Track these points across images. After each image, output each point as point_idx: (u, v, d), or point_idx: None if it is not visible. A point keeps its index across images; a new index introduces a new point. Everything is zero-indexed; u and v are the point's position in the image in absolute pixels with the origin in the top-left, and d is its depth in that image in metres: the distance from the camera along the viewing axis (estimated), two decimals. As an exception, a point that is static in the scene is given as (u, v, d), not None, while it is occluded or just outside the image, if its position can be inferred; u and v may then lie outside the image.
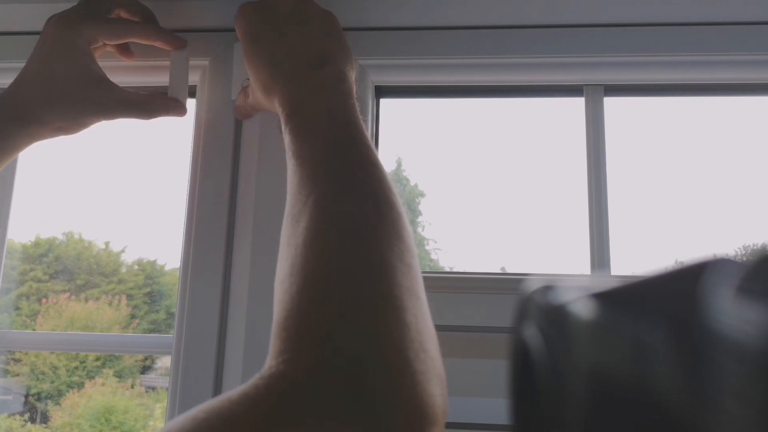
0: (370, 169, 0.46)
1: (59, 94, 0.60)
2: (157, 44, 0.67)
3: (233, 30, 0.69)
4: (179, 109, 0.66)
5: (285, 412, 0.32)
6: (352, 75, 0.55)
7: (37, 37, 0.77)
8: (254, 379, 0.34)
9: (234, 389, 0.34)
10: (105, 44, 0.67)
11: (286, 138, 0.50)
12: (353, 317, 0.37)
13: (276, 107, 0.55)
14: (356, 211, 0.43)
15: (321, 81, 0.52)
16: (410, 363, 0.36)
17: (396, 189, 0.47)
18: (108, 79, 0.62)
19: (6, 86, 0.77)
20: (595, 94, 0.72)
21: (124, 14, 0.67)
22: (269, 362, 0.36)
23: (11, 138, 0.60)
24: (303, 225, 0.43)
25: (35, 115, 0.60)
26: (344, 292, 0.38)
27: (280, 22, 0.57)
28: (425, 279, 0.68)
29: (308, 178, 0.46)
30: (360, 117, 0.51)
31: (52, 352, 1.94)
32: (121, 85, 0.64)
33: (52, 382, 1.92)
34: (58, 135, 0.63)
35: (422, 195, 1.10)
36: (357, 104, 0.52)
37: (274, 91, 0.55)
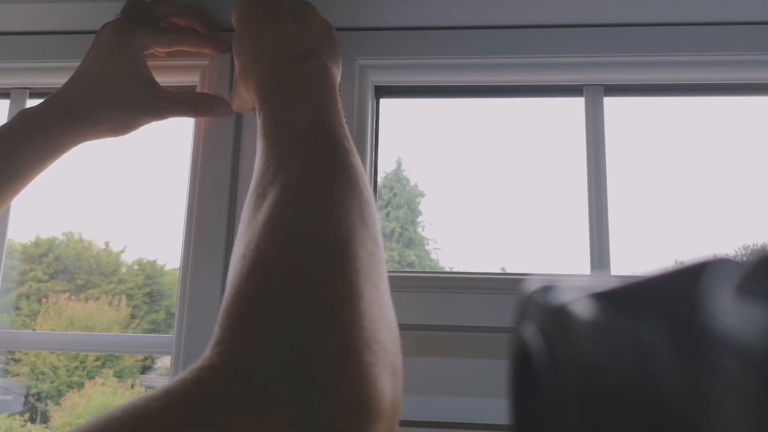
0: (342, 155, 0.45)
1: (113, 96, 0.63)
2: (206, 51, 0.70)
3: (233, 30, 0.70)
4: (223, 107, 0.68)
5: (206, 410, 0.29)
6: (337, 73, 0.56)
7: (42, 36, 0.77)
8: (185, 371, 0.31)
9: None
10: (156, 50, 0.69)
11: (260, 117, 0.50)
12: (299, 302, 0.34)
13: (251, 89, 0.55)
14: (320, 193, 0.41)
15: (304, 71, 0.53)
16: (358, 353, 0.33)
17: (367, 179, 0.45)
18: (157, 82, 0.65)
19: (8, 87, 0.78)
20: (595, 94, 0.72)
21: (176, 21, 0.69)
22: (205, 353, 0.32)
23: (63, 136, 0.62)
24: (267, 203, 0.41)
25: (89, 115, 0.62)
26: (293, 274, 0.36)
27: (279, 13, 0.57)
28: (425, 279, 0.69)
29: (277, 158, 0.45)
30: (341, 110, 0.50)
31: (52, 352, 1.94)
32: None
33: (52, 382, 1.92)
34: (108, 136, 0.65)
35: (422, 195, 1.10)
36: (340, 100, 0.52)
37: (253, 73, 0.55)
